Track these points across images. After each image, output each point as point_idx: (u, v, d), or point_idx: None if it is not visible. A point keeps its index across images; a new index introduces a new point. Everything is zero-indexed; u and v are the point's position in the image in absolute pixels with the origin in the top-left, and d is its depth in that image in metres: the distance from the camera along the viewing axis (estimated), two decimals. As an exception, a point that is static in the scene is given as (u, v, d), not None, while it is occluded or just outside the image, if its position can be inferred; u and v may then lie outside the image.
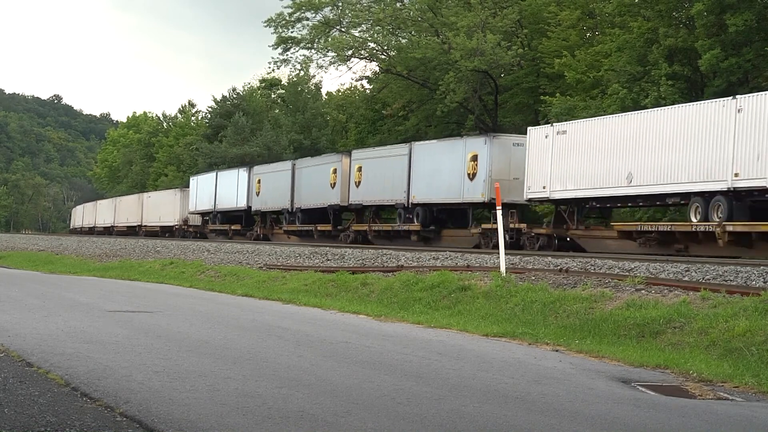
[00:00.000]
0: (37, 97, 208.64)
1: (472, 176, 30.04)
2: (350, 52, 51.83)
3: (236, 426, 5.87)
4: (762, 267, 15.03)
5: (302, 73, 62.02)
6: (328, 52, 51.75)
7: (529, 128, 29.25)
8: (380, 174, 35.28)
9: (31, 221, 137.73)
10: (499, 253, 16.90)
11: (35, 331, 10.28)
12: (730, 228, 20.92)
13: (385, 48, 52.24)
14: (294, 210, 41.53)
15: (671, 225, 23.91)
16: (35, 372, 7.58)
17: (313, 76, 65.58)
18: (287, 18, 51.73)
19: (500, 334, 11.73)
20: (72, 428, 5.64)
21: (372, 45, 52.38)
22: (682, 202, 23.78)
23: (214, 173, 51.49)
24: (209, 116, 77.20)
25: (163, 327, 11.54)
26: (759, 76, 33.11)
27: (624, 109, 31.92)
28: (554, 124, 28.62)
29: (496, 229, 18.16)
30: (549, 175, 26.96)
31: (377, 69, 56.04)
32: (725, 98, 22.17)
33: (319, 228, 39.01)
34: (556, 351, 10.44)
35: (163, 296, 17.61)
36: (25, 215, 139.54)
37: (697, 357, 9.92)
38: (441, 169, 31.74)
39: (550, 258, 19.96)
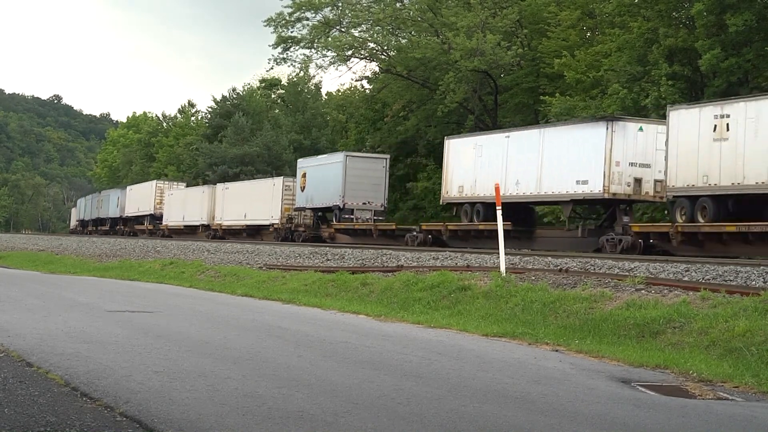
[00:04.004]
0: (37, 97, 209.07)
1: (156, 206, 60.86)
2: (350, 52, 51.79)
3: (236, 426, 5.87)
4: (762, 267, 15.03)
5: (302, 73, 62.00)
6: (328, 52, 51.73)
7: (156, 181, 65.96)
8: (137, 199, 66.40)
9: (31, 221, 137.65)
10: (498, 253, 16.90)
11: (35, 331, 10.28)
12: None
13: (385, 48, 52.20)
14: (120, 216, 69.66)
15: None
16: (35, 372, 7.58)
17: (313, 76, 65.60)
18: (287, 18, 51.66)
19: (500, 334, 11.71)
20: (72, 428, 5.64)
21: (372, 45, 52.34)
22: None
23: (82, 198, 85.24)
24: (209, 116, 77.22)
25: (163, 327, 11.54)
26: (759, 76, 33.10)
27: (624, 108, 31.96)
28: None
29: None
30: (154, 205, 60.62)
31: (377, 69, 56.01)
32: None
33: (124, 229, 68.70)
34: (556, 351, 10.43)
35: (163, 296, 17.60)
36: (25, 215, 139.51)
37: (697, 357, 9.90)
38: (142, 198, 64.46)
39: (550, 258, 19.96)
